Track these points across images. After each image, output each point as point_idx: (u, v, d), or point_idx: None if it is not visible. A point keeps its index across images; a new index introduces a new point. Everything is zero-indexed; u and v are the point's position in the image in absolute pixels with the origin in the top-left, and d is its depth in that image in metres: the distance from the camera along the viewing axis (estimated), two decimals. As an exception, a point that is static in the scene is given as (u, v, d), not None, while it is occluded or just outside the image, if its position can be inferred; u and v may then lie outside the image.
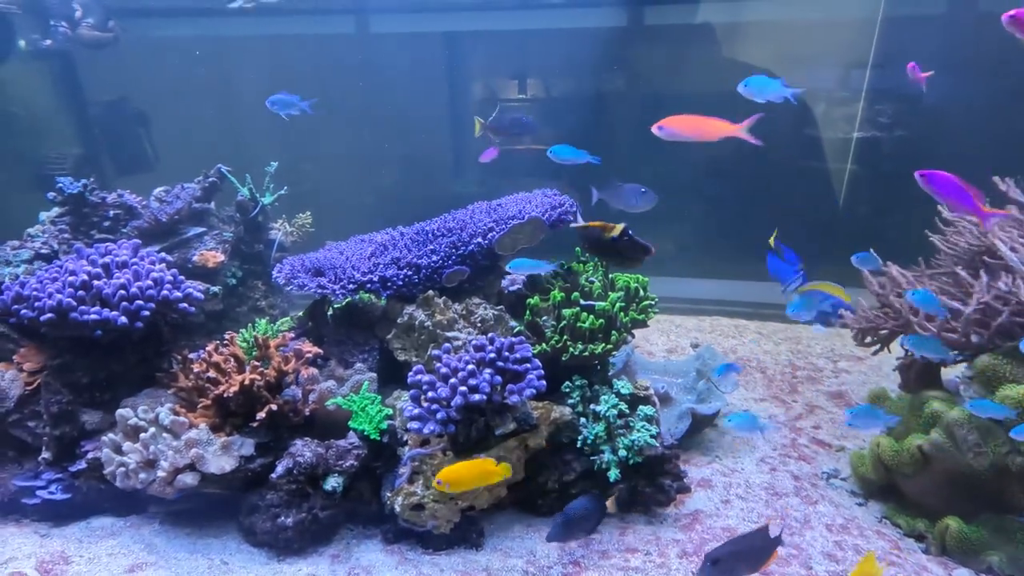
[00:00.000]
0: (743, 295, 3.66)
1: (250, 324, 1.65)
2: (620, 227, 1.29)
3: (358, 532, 1.67)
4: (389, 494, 1.54)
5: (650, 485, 1.71)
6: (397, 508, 1.52)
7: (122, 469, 1.46)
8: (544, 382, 1.40)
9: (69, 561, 1.57)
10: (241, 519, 1.60)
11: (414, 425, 1.36)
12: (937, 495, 1.68)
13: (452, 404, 1.33)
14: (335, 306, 1.80)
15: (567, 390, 1.68)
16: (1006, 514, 1.57)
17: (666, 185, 3.64)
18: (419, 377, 1.39)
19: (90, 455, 1.55)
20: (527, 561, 1.57)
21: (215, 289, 1.78)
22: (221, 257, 1.96)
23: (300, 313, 1.90)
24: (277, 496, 1.53)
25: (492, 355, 1.37)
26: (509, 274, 2.09)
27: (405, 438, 1.56)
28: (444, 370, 1.37)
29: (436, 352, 1.43)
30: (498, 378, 1.36)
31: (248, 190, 2.13)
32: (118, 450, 1.48)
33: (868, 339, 1.87)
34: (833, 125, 3.32)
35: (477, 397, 1.33)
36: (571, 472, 1.67)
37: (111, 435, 1.48)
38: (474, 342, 1.41)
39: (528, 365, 1.39)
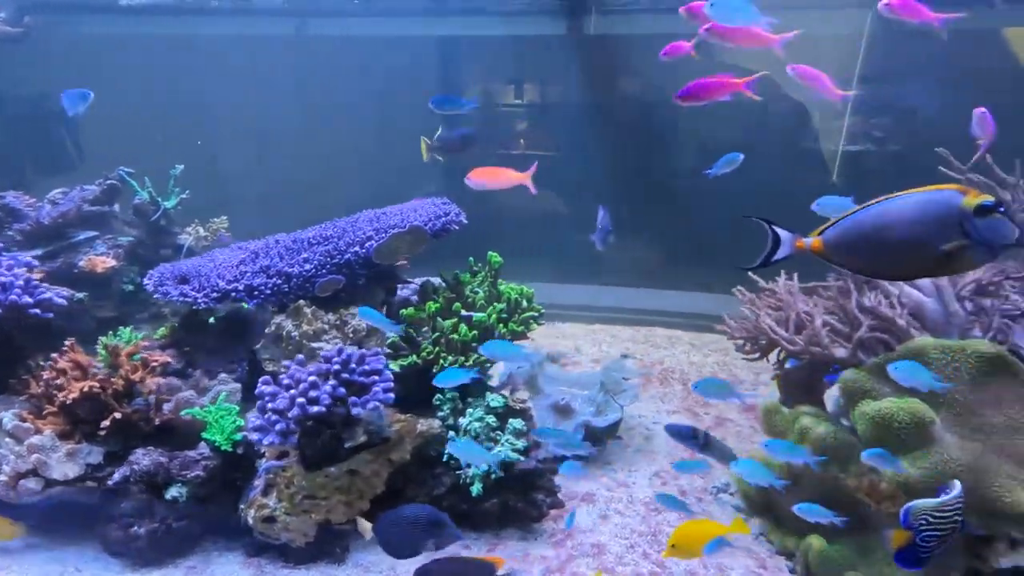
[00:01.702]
0: (683, 306, 3.67)
1: (110, 332, 1.63)
2: (989, 197, 0.90)
3: (222, 545, 1.65)
4: (243, 506, 1.52)
5: (522, 500, 1.70)
6: (250, 520, 1.50)
7: (-34, 475, 1.43)
8: (392, 395, 1.39)
9: (-82, 566, 1.54)
10: (99, 528, 1.58)
11: (255, 436, 1.35)
12: (808, 513, 1.68)
13: (290, 415, 1.31)
14: (216, 315, 1.79)
15: (438, 403, 1.67)
16: (868, 533, 1.57)
17: (633, 194, 3.61)
18: (263, 388, 1.38)
19: (-56, 461, 1.51)
20: (385, 576, 1.56)
21: (80, 295, 1.76)
22: (111, 263, 1.94)
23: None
24: (130, 505, 1.51)
25: (337, 367, 1.35)
26: (409, 283, 2.09)
27: (263, 450, 1.54)
28: (287, 381, 1.35)
29: (286, 363, 1.41)
30: (342, 390, 1.35)
31: (148, 193, 2.11)
32: (-36, 457, 1.45)
33: (748, 347, 1.88)
34: (818, 139, 3.30)
35: (315, 409, 1.31)
36: (440, 486, 1.65)
37: (-43, 441, 1.45)
38: (323, 353, 1.39)
39: (376, 377, 1.38)
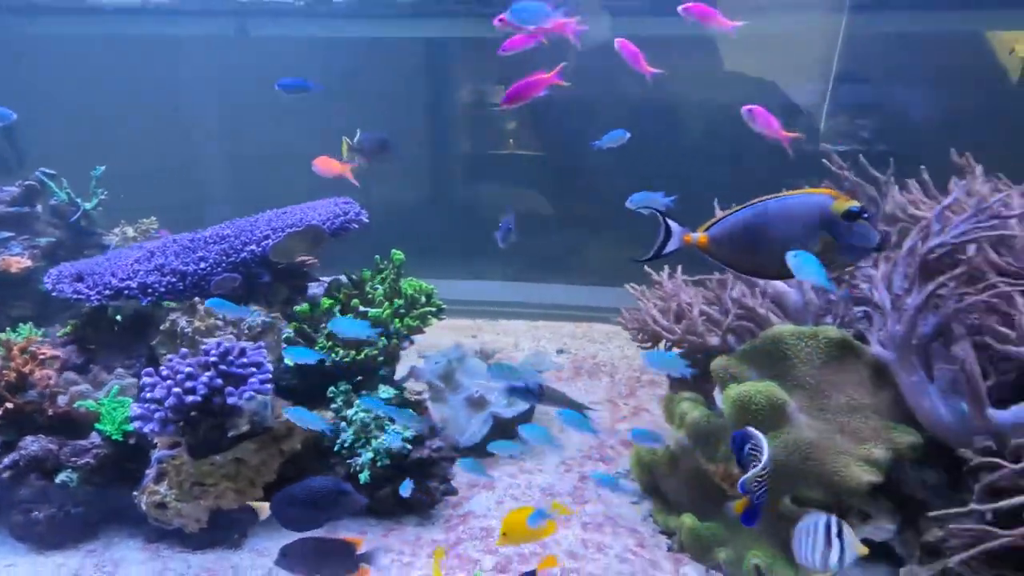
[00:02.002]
0: (626, 303, 3.74)
1: (8, 328, 1.69)
2: (856, 203, 0.94)
3: (124, 532, 1.72)
4: (137, 493, 1.58)
5: (417, 487, 1.77)
6: (144, 506, 1.57)
7: None
8: (269, 386, 1.46)
9: None
10: (4, 514, 1.65)
11: (136, 424, 1.42)
12: (687, 493, 1.76)
13: (167, 404, 1.38)
14: (123, 313, 1.85)
15: (332, 395, 1.74)
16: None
17: (585, 194, 3.62)
18: (145, 379, 1.44)
19: None
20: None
21: None
22: (26, 263, 1.99)
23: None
24: (29, 492, 1.57)
25: (214, 359, 1.42)
26: (324, 281, 2.15)
27: (156, 440, 1.60)
28: (166, 372, 1.42)
29: (169, 356, 1.48)
30: (219, 381, 1.41)
31: (66, 194, 2.17)
32: None
33: (641, 336, 1.96)
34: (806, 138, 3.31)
35: (191, 398, 1.38)
36: (333, 475, 1.72)
37: None
38: (203, 347, 1.46)
39: (255, 369, 1.45)
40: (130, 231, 2.52)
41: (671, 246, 1.07)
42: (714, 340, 1.70)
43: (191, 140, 3.37)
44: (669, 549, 1.71)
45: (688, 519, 1.67)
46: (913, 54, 3.04)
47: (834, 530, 1.17)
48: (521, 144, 3.81)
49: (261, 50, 3.46)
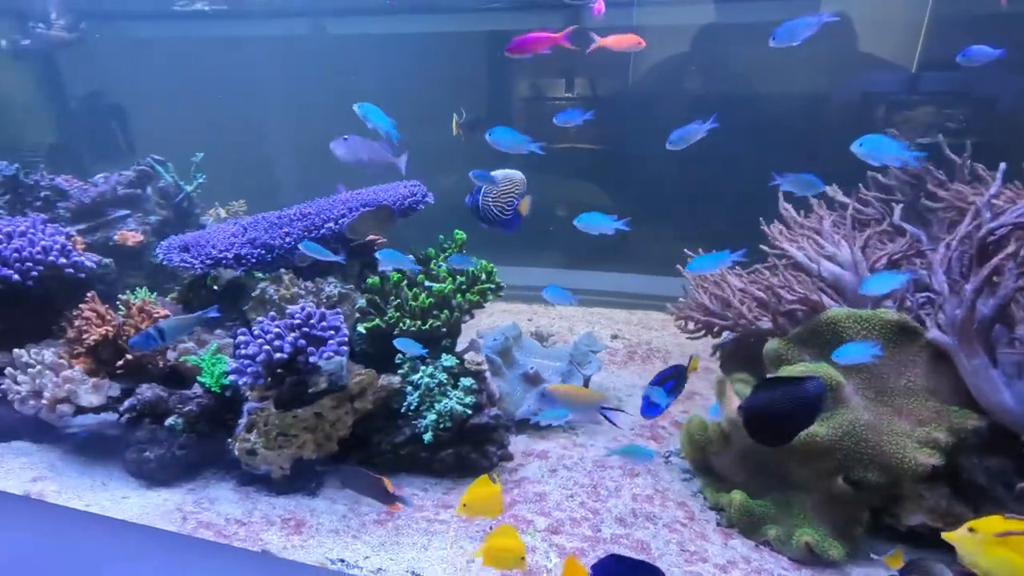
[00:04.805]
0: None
1: (127, 291, 1.93)
2: None
3: (220, 475, 1.94)
4: (230, 440, 1.79)
5: (476, 451, 1.90)
6: (236, 452, 1.77)
7: (18, 396, 1.77)
8: (345, 348, 1.62)
9: (-12, 469, 1.90)
10: (121, 453, 1.91)
11: (232, 377, 1.61)
12: (738, 471, 1.79)
13: (258, 360, 1.56)
14: (220, 281, 2.07)
15: (399, 361, 1.88)
16: (789, 490, 1.67)
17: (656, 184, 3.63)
18: (240, 338, 1.63)
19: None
20: (349, 508, 1.79)
21: (107, 261, 2.08)
22: (140, 237, 2.26)
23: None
24: (143, 434, 1.81)
25: (298, 322, 1.59)
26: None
27: (248, 394, 1.80)
28: (257, 332, 1.60)
29: (259, 319, 1.67)
30: (302, 341, 1.58)
31: (171, 177, 2.43)
32: (15, 381, 1.79)
33: (691, 326, 1.99)
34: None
35: (278, 356, 1.55)
36: (401, 435, 1.87)
37: (10, 369, 1.79)
38: (288, 311, 1.64)
39: (333, 333, 1.61)
40: (222, 212, 2.77)
41: None
42: (766, 324, 1.71)
43: (273, 132, 3.64)
44: (718, 524, 1.75)
45: (739, 495, 1.70)
46: (1003, 37, 2.78)
47: None
48: (582, 139, 3.84)
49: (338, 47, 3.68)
